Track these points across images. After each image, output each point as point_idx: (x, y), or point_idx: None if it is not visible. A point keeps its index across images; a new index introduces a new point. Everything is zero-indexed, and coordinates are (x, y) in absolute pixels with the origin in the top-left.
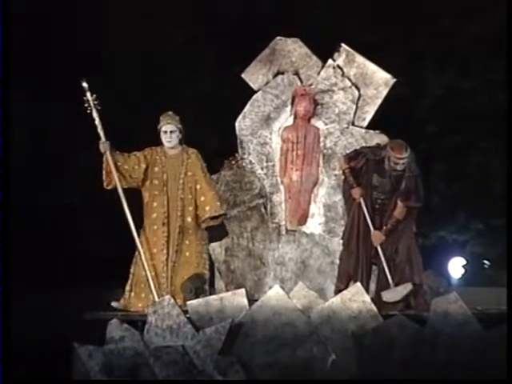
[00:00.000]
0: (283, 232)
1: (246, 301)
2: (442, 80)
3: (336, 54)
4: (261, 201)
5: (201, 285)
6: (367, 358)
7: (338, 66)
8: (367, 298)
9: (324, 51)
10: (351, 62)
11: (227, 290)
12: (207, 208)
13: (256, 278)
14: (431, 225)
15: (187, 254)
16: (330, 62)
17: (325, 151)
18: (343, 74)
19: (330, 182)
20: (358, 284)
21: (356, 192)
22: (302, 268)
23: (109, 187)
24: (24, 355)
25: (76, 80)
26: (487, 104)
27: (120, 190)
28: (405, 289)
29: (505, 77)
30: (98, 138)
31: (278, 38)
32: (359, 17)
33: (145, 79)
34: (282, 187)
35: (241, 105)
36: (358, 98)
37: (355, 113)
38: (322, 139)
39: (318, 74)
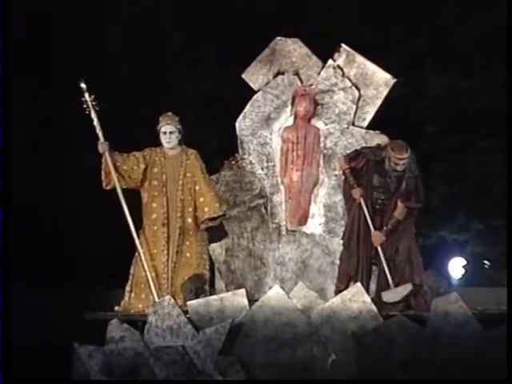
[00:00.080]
0: (283, 232)
1: (246, 301)
2: (442, 80)
3: (336, 54)
4: (261, 201)
5: (201, 285)
6: (367, 358)
7: (338, 66)
8: (367, 299)
9: (324, 51)
10: (351, 62)
11: (227, 291)
12: (206, 209)
13: (256, 278)
14: (431, 225)
15: (188, 254)
16: (330, 62)
17: (325, 151)
18: (343, 75)
19: (330, 183)
20: (359, 284)
21: (356, 192)
22: (302, 268)
23: (108, 187)
24: (24, 355)
25: (76, 80)
26: (487, 104)
27: (119, 191)
28: (405, 289)
29: (505, 77)
30: (97, 138)
31: (278, 38)
32: (359, 17)
33: (145, 79)
34: (282, 187)
35: (241, 105)
36: (358, 99)
37: (355, 113)
38: (322, 139)
39: (318, 74)
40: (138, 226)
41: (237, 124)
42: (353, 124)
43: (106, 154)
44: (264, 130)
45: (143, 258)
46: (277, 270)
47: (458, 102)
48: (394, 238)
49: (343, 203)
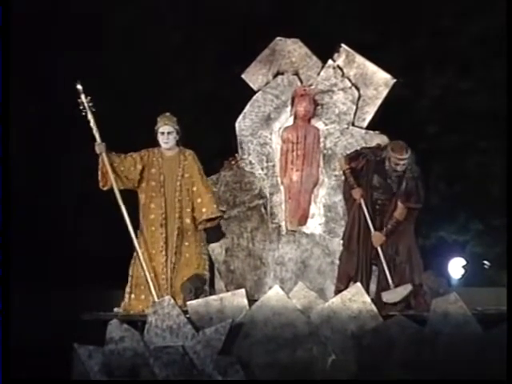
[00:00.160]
0: (283, 232)
1: (245, 301)
2: (441, 80)
3: (336, 55)
4: (261, 201)
5: (200, 285)
6: (367, 358)
7: (338, 67)
8: (367, 299)
9: (324, 51)
10: (351, 62)
11: (227, 291)
12: (204, 210)
13: (256, 278)
14: (431, 225)
15: (187, 255)
16: (329, 62)
17: (325, 152)
18: (343, 75)
19: (330, 183)
20: (358, 284)
21: (356, 193)
22: (302, 268)
23: (104, 188)
24: (24, 355)
25: (75, 80)
26: (487, 104)
27: (117, 191)
28: (405, 290)
29: (505, 77)
30: (94, 139)
31: (278, 38)
32: (359, 17)
33: (144, 79)
34: (282, 187)
35: (241, 105)
36: (358, 99)
37: (355, 113)
38: (321, 140)
39: (318, 74)
40: (137, 226)
41: (237, 124)
42: (352, 124)
43: (103, 154)
44: (264, 130)
45: (142, 259)
46: (276, 270)
47: (457, 102)
48: (394, 239)
49: (343, 203)
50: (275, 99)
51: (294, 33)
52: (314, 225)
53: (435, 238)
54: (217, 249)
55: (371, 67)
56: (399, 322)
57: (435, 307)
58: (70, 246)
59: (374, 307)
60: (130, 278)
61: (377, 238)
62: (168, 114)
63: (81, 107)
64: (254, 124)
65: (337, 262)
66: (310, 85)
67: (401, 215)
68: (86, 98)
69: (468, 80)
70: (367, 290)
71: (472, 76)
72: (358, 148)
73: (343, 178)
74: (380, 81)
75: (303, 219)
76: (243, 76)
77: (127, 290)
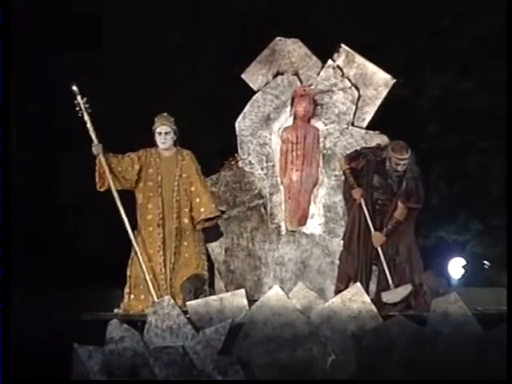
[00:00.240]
0: (283, 232)
1: (245, 301)
2: (441, 80)
3: (336, 55)
4: (261, 201)
5: (200, 285)
6: (367, 358)
7: (338, 67)
8: (367, 299)
9: (324, 51)
10: (351, 62)
11: (227, 291)
12: (202, 210)
13: (256, 278)
14: (431, 225)
15: (186, 255)
16: (329, 62)
17: (324, 152)
18: (343, 75)
19: (329, 183)
20: (358, 284)
21: (356, 193)
22: (301, 268)
23: (102, 189)
24: (24, 355)
25: (71, 81)
26: (487, 104)
27: (114, 192)
28: (405, 290)
29: (505, 77)
30: (91, 140)
31: (278, 38)
32: (359, 17)
33: (144, 79)
34: (281, 188)
35: (241, 105)
36: (358, 99)
37: (355, 113)
38: (321, 140)
39: (318, 74)
40: (135, 227)
41: (236, 124)
42: (352, 124)
43: (100, 155)
44: (264, 131)
45: (141, 259)
46: (276, 271)
47: (457, 102)
48: (394, 239)
49: (343, 203)
50: (275, 99)
51: (294, 33)
52: (314, 225)
53: (435, 238)
54: (217, 249)
55: (371, 67)
56: (399, 322)
57: (435, 307)
58: (70, 246)
59: (373, 307)
60: (128, 279)
61: (377, 238)
62: (165, 114)
63: (77, 108)
64: (254, 124)
65: (337, 262)
66: (310, 85)
67: (401, 215)
68: (82, 99)
69: (468, 80)
70: (367, 290)
71: (472, 76)
72: (358, 148)
73: (343, 178)
74: (380, 81)
75: (303, 219)
76: (243, 76)
77: (126, 290)
